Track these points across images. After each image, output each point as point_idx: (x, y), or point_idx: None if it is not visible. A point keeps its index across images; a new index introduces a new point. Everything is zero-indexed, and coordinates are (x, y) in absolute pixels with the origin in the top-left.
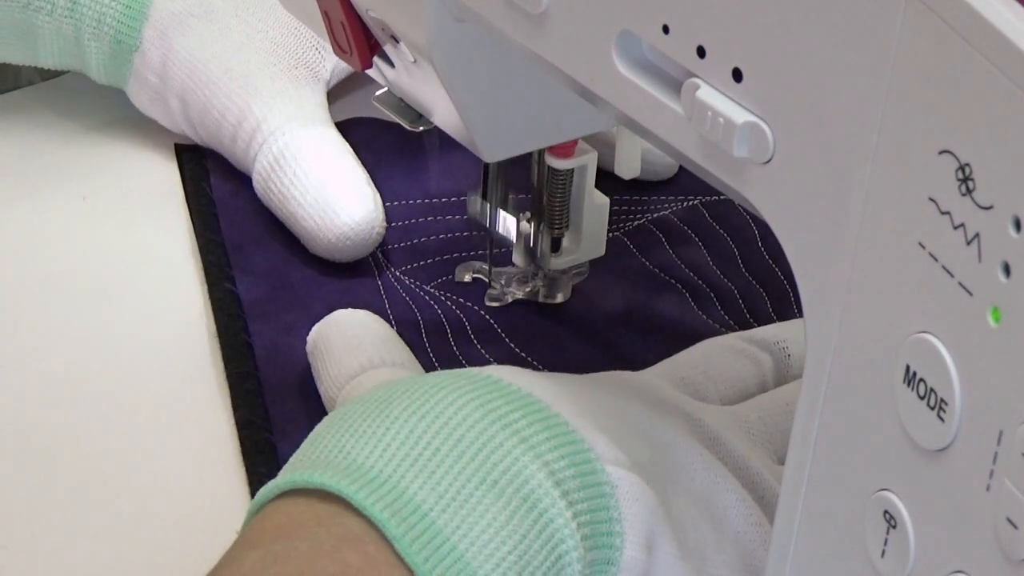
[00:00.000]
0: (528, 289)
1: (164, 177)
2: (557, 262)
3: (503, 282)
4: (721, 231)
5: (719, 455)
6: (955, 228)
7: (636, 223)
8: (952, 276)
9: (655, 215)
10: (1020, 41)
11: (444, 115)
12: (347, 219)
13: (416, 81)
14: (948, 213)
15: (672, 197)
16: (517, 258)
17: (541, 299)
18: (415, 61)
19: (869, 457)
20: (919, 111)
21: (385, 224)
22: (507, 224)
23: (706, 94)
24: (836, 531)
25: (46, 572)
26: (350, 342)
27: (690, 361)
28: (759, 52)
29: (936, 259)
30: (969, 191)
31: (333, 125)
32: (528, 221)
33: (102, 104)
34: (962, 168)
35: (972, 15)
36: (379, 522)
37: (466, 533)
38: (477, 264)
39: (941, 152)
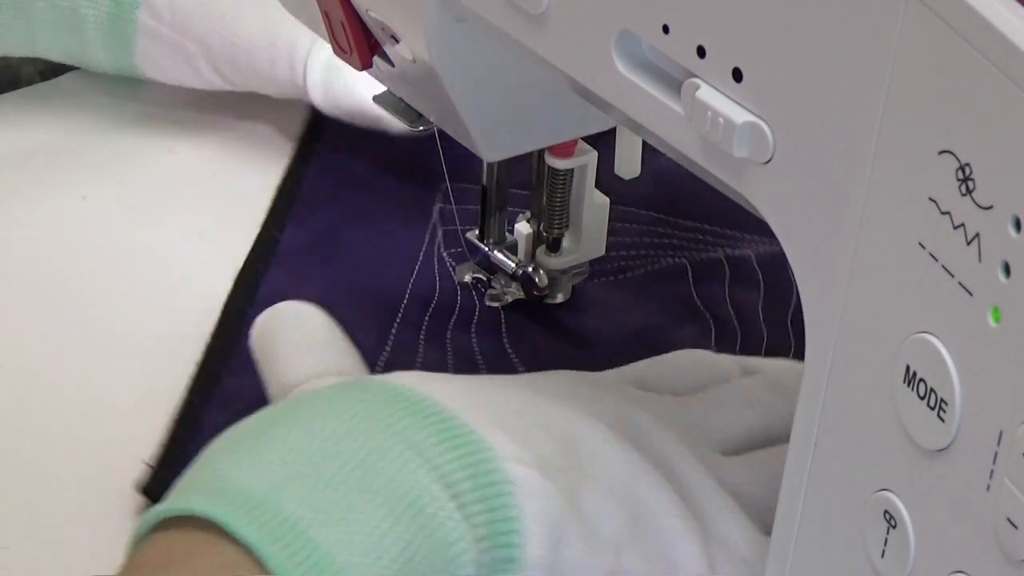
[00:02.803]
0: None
1: (165, 177)
2: (557, 262)
3: (503, 282)
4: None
5: (643, 446)
6: (955, 228)
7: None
8: (952, 276)
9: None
10: (1020, 41)
11: (444, 115)
12: None
13: (416, 81)
14: (948, 213)
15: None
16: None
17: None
18: (415, 61)
19: (869, 457)
20: (919, 111)
21: None
22: (504, 260)
23: (706, 94)
24: (836, 531)
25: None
26: (298, 344)
27: (649, 364)
28: (759, 52)
29: (936, 259)
30: (969, 191)
31: None
32: (528, 221)
33: (102, 104)
34: (962, 168)
35: (972, 15)
36: (253, 546)
37: (346, 545)
38: (477, 264)
39: (941, 152)
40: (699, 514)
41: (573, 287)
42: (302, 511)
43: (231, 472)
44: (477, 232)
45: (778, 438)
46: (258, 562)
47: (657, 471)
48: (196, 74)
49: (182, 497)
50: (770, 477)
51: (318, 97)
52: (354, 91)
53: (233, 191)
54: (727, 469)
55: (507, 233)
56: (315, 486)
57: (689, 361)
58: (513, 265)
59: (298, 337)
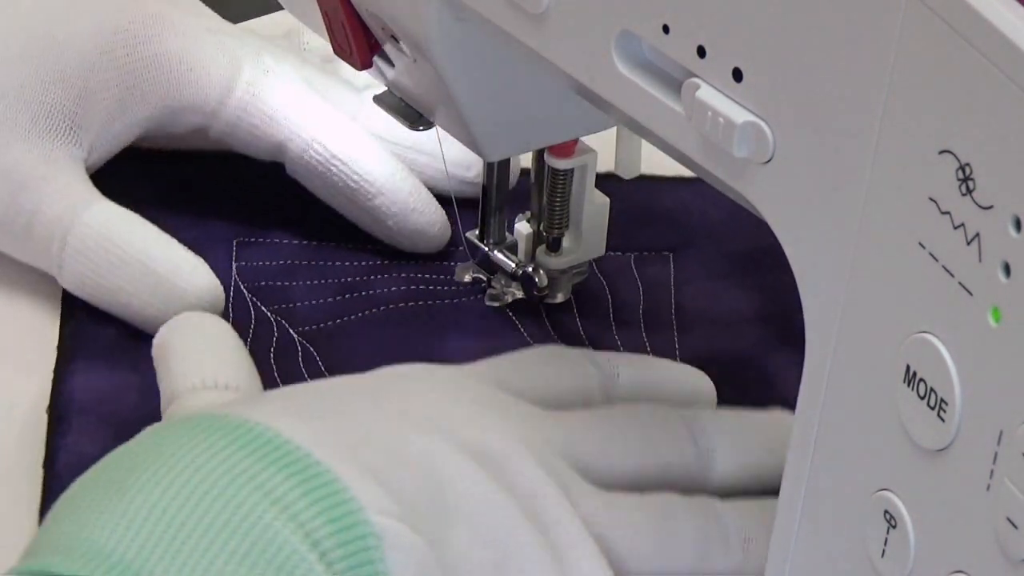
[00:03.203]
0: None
1: None
2: (557, 262)
3: (503, 282)
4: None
5: (509, 480)
6: (955, 228)
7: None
8: (952, 276)
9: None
10: (1020, 41)
11: (444, 115)
12: (191, 296)
13: (416, 81)
14: (948, 213)
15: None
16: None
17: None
18: (415, 61)
19: (869, 457)
20: (919, 111)
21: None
22: (504, 260)
23: (706, 94)
24: (836, 531)
25: None
26: (189, 354)
27: (515, 362)
28: (759, 52)
29: (936, 259)
30: (969, 191)
31: (106, 198)
32: (528, 221)
33: None
34: (962, 168)
35: (972, 15)
36: None
37: None
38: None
39: (941, 152)
40: (559, 557)
41: (573, 287)
42: None
43: (95, 530)
44: (477, 232)
45: (637, 479)
46: None
47: (519, 507)
48: None
49: (44, 556)
50: (625, 525)
51: (69, 283)
52: (116, 291)
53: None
54: (589, 503)
55: (507, 233)
56: (181, 550)
57: (552, 368)
58: (513, 265)
59: (190, 346)
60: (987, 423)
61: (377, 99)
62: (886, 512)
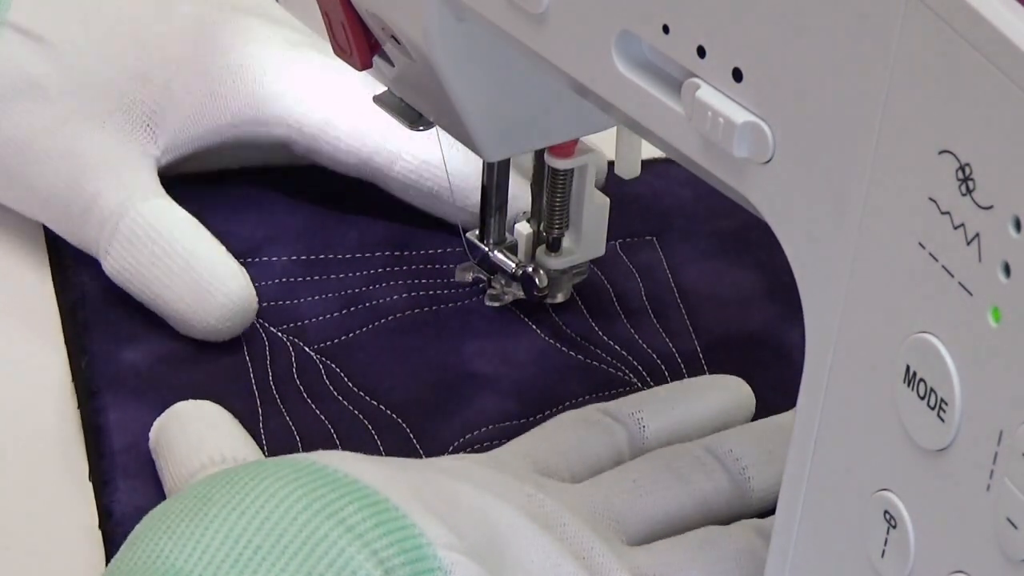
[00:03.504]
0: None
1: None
2: (557, 262)
3: (503, 282)
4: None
5: (559, 536)
6: (955, 228)
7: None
8: (952, 276)
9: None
10: (1020, 41)
11: (444, 115)
12: (223, 298)
13: (416, 81)
14: (948, 213)
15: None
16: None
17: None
18: (415, 61)
19: (869, 457)
20: (919, 111)
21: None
22: (504, 260)
23: (706, 94)
24: (836, 531)
25: None
26: (191, 438)
27: (542, 437)
28: (759, 52)
29: (936, 259)
30: (969, 191)
31: (170, 198)
32: (528, 221)
33: None
34: (962, 168)
35: (972, 15)
36: None
37: None
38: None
39: (941, 152)
40: None
41: (573, 287)
42: None
43: (172, 553)
44: (477, 232)
45: (678, 523)
46: None
47: (577, 561)
48: (8, 201)
49: None
50: (674, 568)
51: (110, 269)
52: (153, 281)
53: None
54: (633, 558)
55: (507, 233)
56: (257, 572)
57: (578, 437)
58: (513, 265)
59: (193, 430)
60: (987, 423)
61: (377, 99)
62: (886, 512)
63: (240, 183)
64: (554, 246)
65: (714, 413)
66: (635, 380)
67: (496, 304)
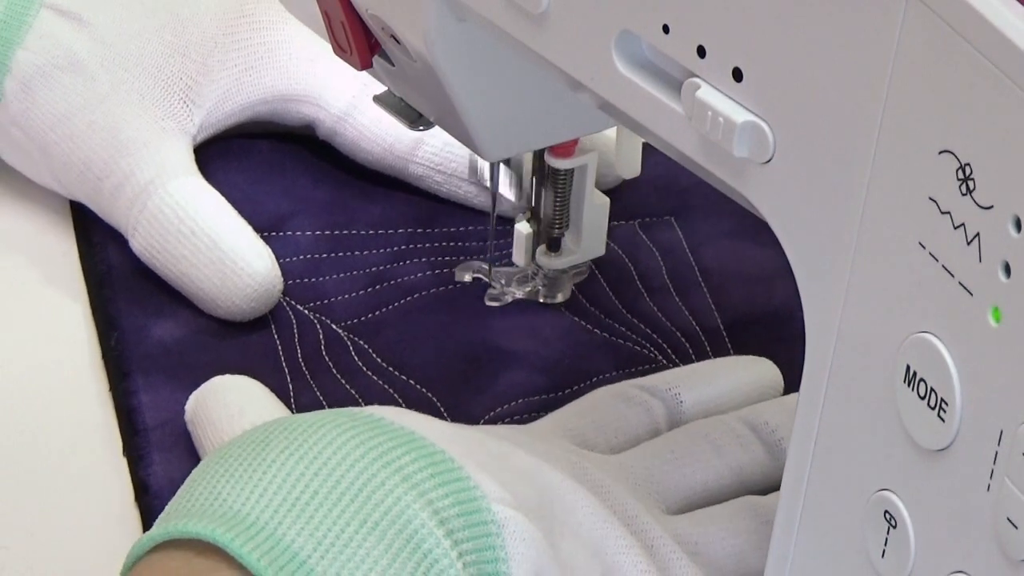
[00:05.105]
0: (528, 289)
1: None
2: (557, 262)
3: (503, 282)
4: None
5: (606, 502)
6: (955, 228)
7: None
8: (952, 276)
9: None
10: (1020, 41)
11: (444, 115)
12: (249, 279)
13: (416, 81)
14: (948, 213)
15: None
16: (517, 258)
17: (541, 299)
18: (415, 61)
19: (869, 457)
20: (919, 111)
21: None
22: (509, 181)
23: (706, 94)
24: (836, 531)
25: None
26: (231, 409)
27: (579, 411)
28: (759, 52)
29: (936, 259)
30: (969, 191)
31: (201, 176)
32: (528, 221)
33: None
34: (962, 168)
35: (972, 15)
36: (256, 572)
37: None
38: (476, 264)
39: (941, 152)
40: (664, 571)
41: (573, 287)
42: (302, 541)
43: (231, 496)
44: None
45: (715, 493)
46: None
47: (624, 526)
48: (40, 176)
49: (180, 520)
50: (714, 534)
51: (137, 245)
52: (179, 259)
53: None
54: (675, 526)
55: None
56: (315, 516)
57: (616, 411)
58: (513, 265)
59: (232, 400)
60: (987, 423)
61: (377, 99)
62: (886, 512)
63: (265, 149)
64: (554, 246)
65: (748, 390)
66: (660, 357)
67: (496, 304)
